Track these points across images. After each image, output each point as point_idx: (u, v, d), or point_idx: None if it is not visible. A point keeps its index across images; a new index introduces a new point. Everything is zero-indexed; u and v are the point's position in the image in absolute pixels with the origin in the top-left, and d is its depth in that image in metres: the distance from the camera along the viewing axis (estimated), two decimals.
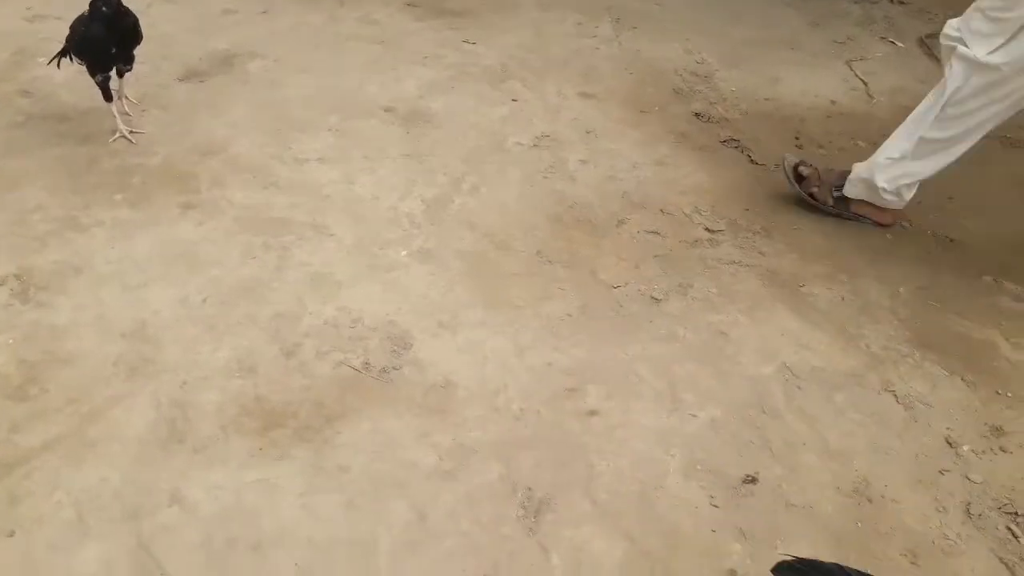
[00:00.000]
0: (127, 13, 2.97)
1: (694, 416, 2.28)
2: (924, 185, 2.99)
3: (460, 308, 2.60)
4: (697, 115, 3.76)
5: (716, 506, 2.04)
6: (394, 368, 2.36)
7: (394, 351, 2.42)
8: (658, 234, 3.01)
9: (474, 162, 3.31)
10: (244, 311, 2.50)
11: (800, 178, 3.15)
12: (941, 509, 2.07)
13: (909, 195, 2.97)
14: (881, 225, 3.06)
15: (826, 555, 1.94)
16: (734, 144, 3.55)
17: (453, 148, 3.39)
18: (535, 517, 1.99)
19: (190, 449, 2.08)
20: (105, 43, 2.96)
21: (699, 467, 2.14)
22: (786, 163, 3.18)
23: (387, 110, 3.61)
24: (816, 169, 3.14)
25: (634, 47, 4.34)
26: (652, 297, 2.71)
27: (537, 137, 3.52)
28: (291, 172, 3.15)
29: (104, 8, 2.87)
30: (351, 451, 2.12)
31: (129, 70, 3.17)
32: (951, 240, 3.02)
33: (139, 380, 2.25)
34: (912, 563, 1.94)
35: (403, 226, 2.93)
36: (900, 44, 4.45)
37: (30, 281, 2.54)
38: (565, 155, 3.42)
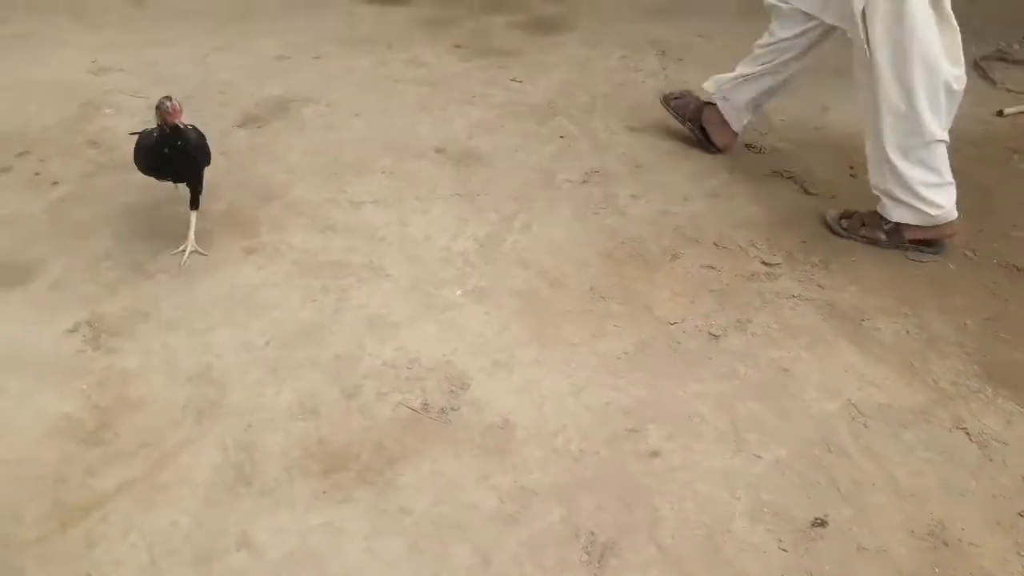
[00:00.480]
0: (180, 137, 2.74)
1: (759, 457, 2.24)
2: (986, 214, 2.92)
3: (516, 347, 2.61)
4: (748, 146, 3.75)
5: (785, 550, 1.99)
6: (452, 409, 2.37)
7: (452, 391, 2.44)
8: (713, 268, 2.99)
9: (524, 200, 3.34)
10: (305, 353, 2.54)
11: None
12: (1020, 553, 1.99)
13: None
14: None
15: None
16: (787, 175, 3.52)
17: (503, 186, 3.42)
18: (599, 563, 1.97)
19: (256, 492, 2.11)
20: (148, 159, 2.83)
21: (766, 510, 2.09)
22: (829, 218, 3.19)
23: (438, 151, 3.67)
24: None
25: (681, 79, 4.34)
26: (710, 333, 2.68)
27: (587, 173, 3.53)
28: (347, 215, 3.21)
29: (154, 133, 2.74)
30: (413, 493, 2.13)
31: (194, 191, 2.94)
32: (1018, 269, 2.94)
33: (206, 423, 2.30)
34: None
35: (457, 265, 2.96)
36: None
37: (101, 327, 2.62)
38: (615, 190, 3.42)
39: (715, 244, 3.11)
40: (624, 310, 2.79)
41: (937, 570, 1.95)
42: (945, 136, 2.90)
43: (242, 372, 2.46)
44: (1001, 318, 2.71)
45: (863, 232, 3.09)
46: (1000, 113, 3.91)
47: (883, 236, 3.05)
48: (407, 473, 2.18)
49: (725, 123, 3.61)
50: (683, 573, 1.95)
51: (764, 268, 2.97)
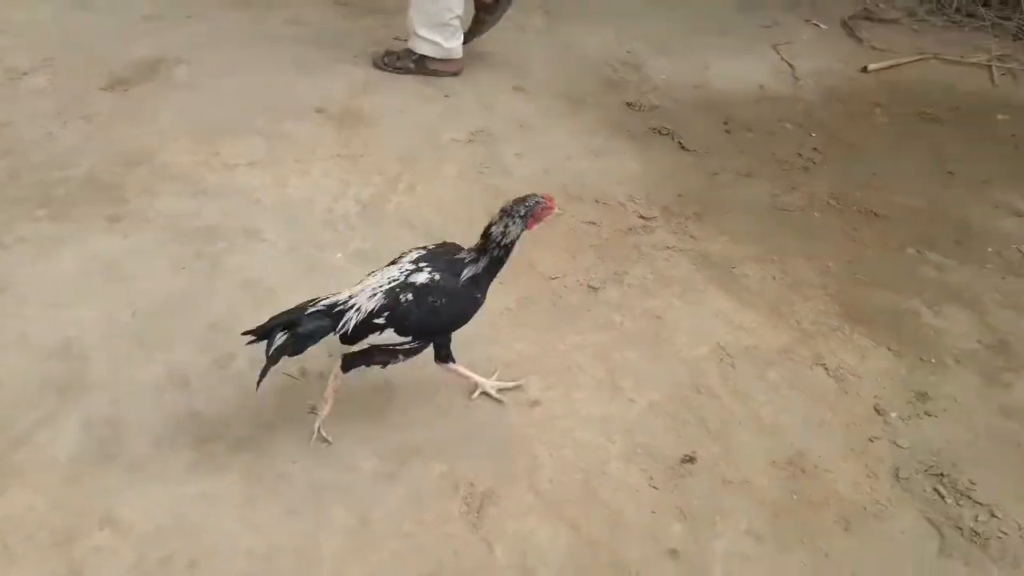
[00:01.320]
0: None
1: (633, 401, 2.30)
2: (850, 164, 3.07)
3: None
4: (629, 104, 3.80)
5: (656, 488, 2.07)
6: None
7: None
8: (594, 224, 3.04)
9: (409, 160, 3.30)
10: (175, 324, 2.45)
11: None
12: (872, 475, 2.13)
13: (456, 42, 3.85)
14: (453, 74, 3.90)
15: (763, 527, 1.99)
16: (666, 132, 3.59)
17: (387, 147, 3.37)
18: (478, 512, 1.99)
19: (123, 468, 2.04)
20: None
21: (639, 451, 2.16)
22: (375, 58, 3.97)
23: (318, 111, 3.57)
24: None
25: (565, 39, 4.36)
26: (589, 286, 2.73)
27: (472, 133, 3.51)
28: (221, 178, 3.09)
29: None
30: (290, 459, 2.09)
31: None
32: (876, 215, 3.11)
33: (68, 400, 2.19)
34: (845, 529, 2.00)
35: (338, 228, 2.91)
36: (824, 26, 4.56)
37: None
38: (500, 150, 3.42)
39: (596, 200, 3.16)
40: (508, 267, 2.80)
41: (795, 496, 2.07)
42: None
43: (106, 346, 2.36)
44: (859, 261, 2.86)
45: (398, 63, 3.89)
46: (865, 69, 4.09)
47: (412, 65, 3.87)
48: (284, 440, 2.14)
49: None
50: (560, 516, 2.00)
51: (641, 222, 3.04)
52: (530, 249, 2.87)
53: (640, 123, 3.66)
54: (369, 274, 2.09)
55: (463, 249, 2.08)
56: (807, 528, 2.00)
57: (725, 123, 3.68)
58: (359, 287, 2.04)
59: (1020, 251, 2.93)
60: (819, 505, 2.05)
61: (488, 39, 4.28)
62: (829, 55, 4.26)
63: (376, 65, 3.94)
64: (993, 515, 2.05)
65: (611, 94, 3.88)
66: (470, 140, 3.47)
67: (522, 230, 2.01)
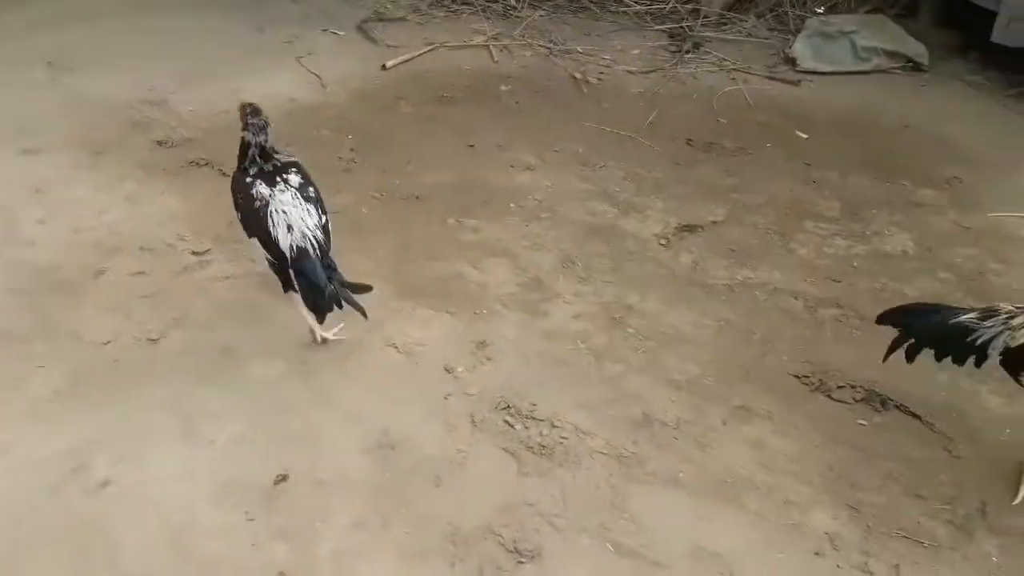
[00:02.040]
0: None
1: (214, 441, 2.22)
2: (386, 155, 3.26)
3: None
4: (160, 143, 3.63)
5: (252, 519, 2.02)
6: None
7: None
8: (143, 273, 2.86)
9: None
10: None
11: None
12: (452, 429, 2.32)
13: None
14: None
15: (365, 513, 2.06)
16: (204, 162, 3.49)
17: None
18: None
19: None
20: None
21: (228, 489, 2.10)
22: None
23: None
24: None
25: (77, 90, 4.01)
26: (149, 340, 2.57)
27: None
28: None
29: None
30: None
31: None
32: (417, 197, 3.36)
33: None
34: (437, 485, 2.15)
35: None
36: (341, 33, 4.78)
37: None
38: (17, 220, 3.05)
39: (141, 248, 2.97)
40: (47, 347, 2.52)
41: (388, 473, 2.17)
42: None
43: None
44: (408, 242, 3.07)
45: None
46: (384, 67, 4.38)
47: None
48: None
49: None
50: None
51: (195, 258, 2.93)
52: (71, 318, 2.63)
53: (175, 159, 3.51)
54: None
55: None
56: (405, 496, 2.11)
57: None
58: None
59: (535, 199, 3.39)
60: (411, 472, 2.18)
61: None
62: (351, 59, 4.48)
63: None
64: (553, 426, 2.35)
65: (138, 136, 3.67)
66: None
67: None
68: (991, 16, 4.42)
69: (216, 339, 2.57)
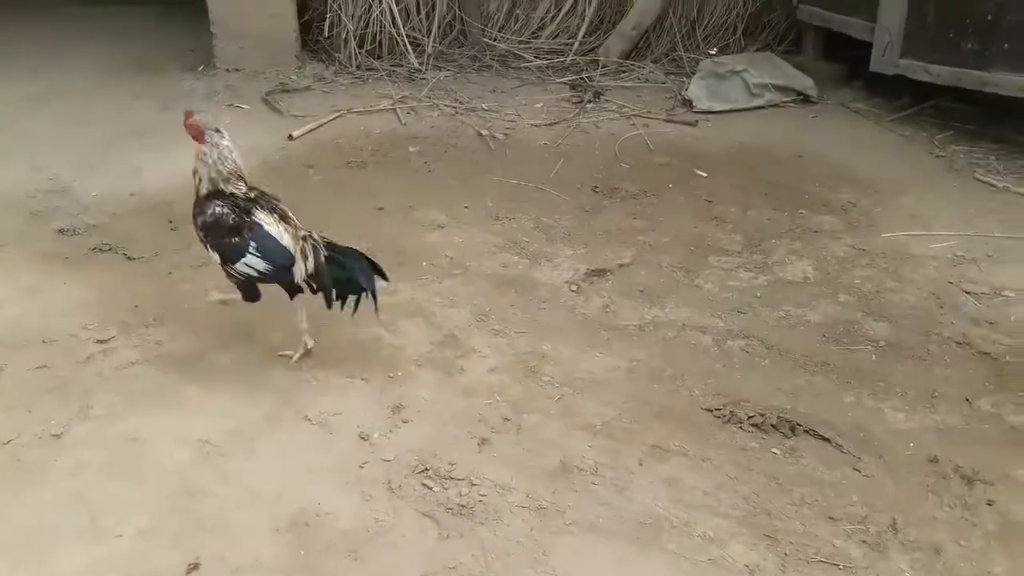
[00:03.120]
0: None
1: (119, 536, 2.15)
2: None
3: None
4: (62, 231, 3.56)
5: None
6: None
7: None
8: (46, 367, 2.77)
9: None
10: None
11: None
12: (368, 498, 2.28)
13: None
14: None
15: None
16: (107, 247, 3.43)
17: None
18: None
19: None
20: None
21: None
22: None
23: None
24: None
25: None
26: (52, 435, 2.49)
27: None
28: None
29: None
30: None
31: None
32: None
33: None
34: (355, 559, 2.11)
35: None
36: (246, 107, 4.80)
37: None
38: None
39: (43, 341, 2.88)
40: None
41: (302, 551, 2.12)
42: None
43: None
44: (319, 311, 3.05)
45: None
46: (290, 137, 4.41)
47: None
48: None
49: None
50: None
51: (99, 347, 2.86)
52: None
53: (77, 247, 3.45)
54: None
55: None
56: (318, 573, 2.07)
57: (170, 221, 3.64)
58: None
59: (447, 256, 3.42)
60: (328, 548, 2.14)
61: None
62: (256, 132, 4.49)
63: None
64: (472, 483, 2.34)
65: (38, 226, 3.59)
66: None
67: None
68: (870, 47, 4.70)
69: (121, 429, 2.50)
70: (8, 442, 2.46)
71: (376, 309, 2.70)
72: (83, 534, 2.16)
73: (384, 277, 2.70)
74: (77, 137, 4.39)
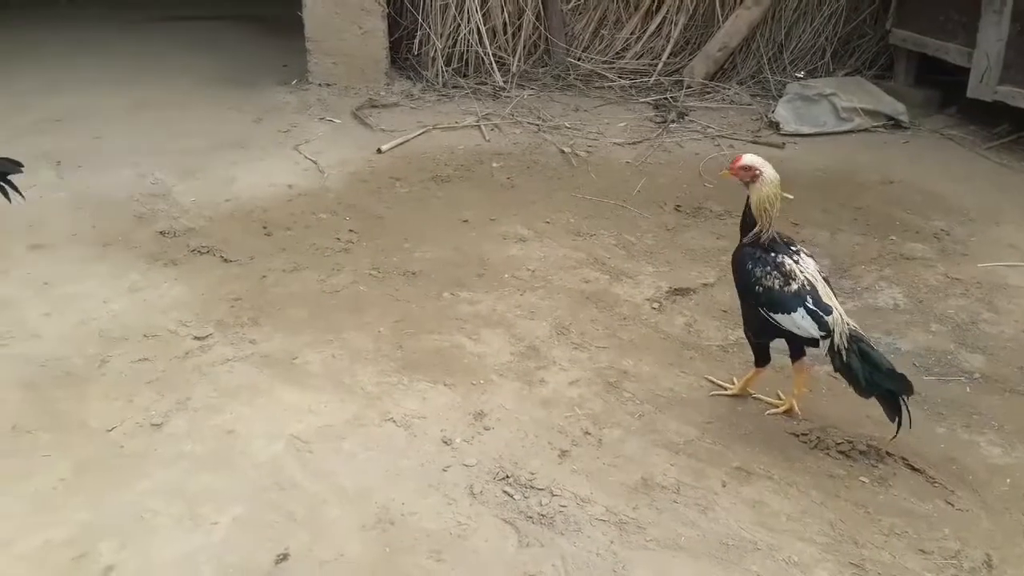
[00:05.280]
0: None
1: (215, 524, 2.23)
2: (383, 235, 3.35)
3: None
4: (163, 233, 3.73)
5: None
6: None
7: None
8: (147, 360, 2.91)
9: None
10: None
11: None
12: (451, 501, 2.32)
13: None
14: None
15: None
16: (206, 250, 3.59)
17: None
18: None
19: None
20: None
21: (230, 570, 2.10)
22: None
23: None
24: None
25: (83, 186, 4.15)
26: (152, 424, 2.61)
27: None
28: None
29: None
30: None
31: None
32: (414, 273, 3.43)
33: None
34: (438, 560, 2.15)
35: None
36: (337, 120, 4.95)
37: None
38: (23, 314, 3.12)
39: (145, 336, 3.03)
40: (53, 437, 2.56)
41: (387, 549, 2.17)
42: None
43: None
44: (406, 317, 3.13)
45: None
46: (379, 151, 4.53)
47: None
48: None
49: None
50: None
51: (197, 343, 2.99)
52: (78, 408, 2.68)
53: (178, 248, 3.61)
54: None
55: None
56: (406, 573, 2.11)
57: (264, 227, 3.79)
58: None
59: (529, 269, 3.46)
60: (411, 547, 2.18)
61: None
62: (347, 145, 4.64)
63: None
64: (553, 494, 2.36)
65: (142, 228, 3.78)
66: None
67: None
68: (967, 72, 4.57)
69: (218, 422, 2.60)
70: (112, 429, 2.59)
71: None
72: (181, 521, 2.25)
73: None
74: (176, 145, 4.60)
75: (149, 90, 5.42)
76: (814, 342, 2.46)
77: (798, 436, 2.57)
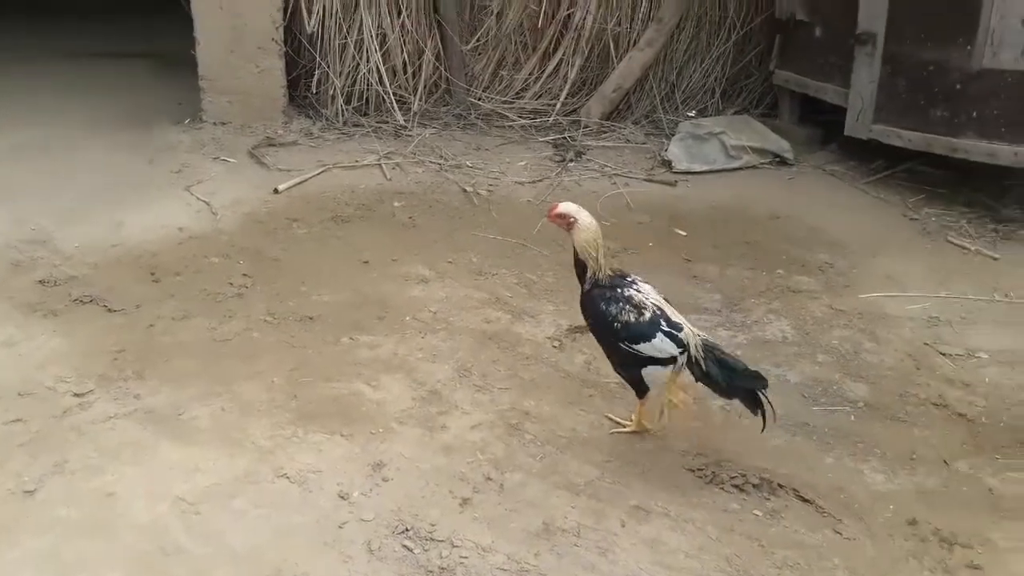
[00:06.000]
0: None
1: None
2: (278, 278, 3.25)
3: None
4: (42, 282, 3.53)
5: None
6: None
7: None
8: (20, 421, 2.73)
9: None
10: None
11: None
12: (347, 559, 2.25)
13: None
14: None
15: None
16: (88, 299, 3.41)
17: None
18: None
19: None
20: None
21: None
22: None
23: None
24: None
25: None
26: (25, 491, 2.44)
27: None
28: None
29: None
30: None
31: None
32: (311, 318, 3.35)
33: None
34: None
35: None
36: (232, 160, 4.83)
37: None
38: None
39: (19, 394, 2.84)
40: None
41: None
42: None
43: None
44: (302, 365, 3.05)
45: None
46: (276, 190, 4.44)
47: None
48: None
49: None
50: None
51: (76, 400, 2.82)
52: None
53: (58, 298, 3.42)
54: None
55: None
56: None
57: (152, 273, 3.64)
58: None
59: (430, 311, 3.43)
60: None
61: None
62: (242, 185, 4.52)
63: None
64: (454, 545, 2.31)
65: (19, 277, 3.57)
66: None
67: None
68: (844, 112, 4.84)
69: (97, 484, 2.46)
70: None
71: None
72: None
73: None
74: (61, 189, 4.39)
75: (36, 130, 5.16)
76: (672, 360, 2.57)
77: (694, 471, 2.62)
